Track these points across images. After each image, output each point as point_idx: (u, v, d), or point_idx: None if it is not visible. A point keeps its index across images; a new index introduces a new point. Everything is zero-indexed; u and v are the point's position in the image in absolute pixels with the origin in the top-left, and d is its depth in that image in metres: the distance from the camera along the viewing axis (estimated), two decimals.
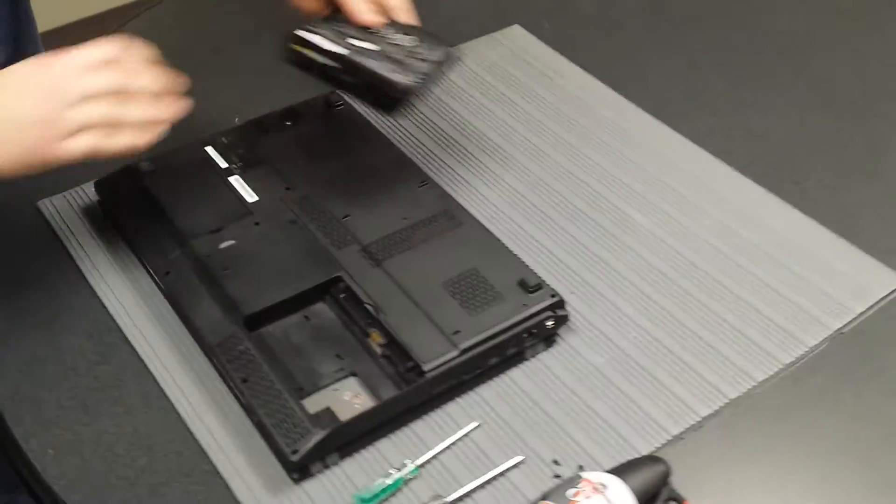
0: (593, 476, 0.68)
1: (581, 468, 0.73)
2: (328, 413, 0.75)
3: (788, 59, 1.14)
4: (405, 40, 0.85)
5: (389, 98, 0.84)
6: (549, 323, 0.80)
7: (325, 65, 0.84)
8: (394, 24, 0.86)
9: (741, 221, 0.93)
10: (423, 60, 0.84)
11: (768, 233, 0.92)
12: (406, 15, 0.88)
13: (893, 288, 0.87)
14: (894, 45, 1.17)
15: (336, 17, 0.86)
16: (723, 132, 1.04)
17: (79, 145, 0.74)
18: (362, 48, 0.83)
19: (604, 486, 0.67)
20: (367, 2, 0.85)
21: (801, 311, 0.85)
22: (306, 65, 0.85)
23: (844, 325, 0.84)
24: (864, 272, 0.88)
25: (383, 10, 0.87)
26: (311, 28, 0.85)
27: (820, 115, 1.07)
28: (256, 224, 0.87)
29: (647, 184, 0.97)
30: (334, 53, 0.84)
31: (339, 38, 0.84)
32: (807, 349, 0.82)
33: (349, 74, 0.84)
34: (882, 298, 0.86)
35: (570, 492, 0.66)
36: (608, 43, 1.18)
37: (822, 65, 1.14)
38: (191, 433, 0.76)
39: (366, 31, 0.85)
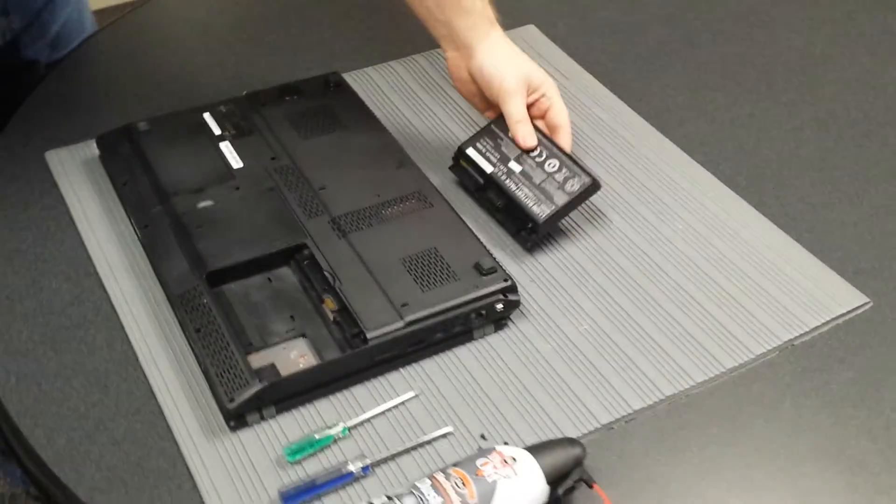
0: (506, 449, 0.70)
1: (506, 444, 0.74)
2: (271, 368, 0.78)
3: (794, 81, 1.15)
4: (553, 165, 0.89)
5: (526, 227, 0.89)
6: (499, 306, 0.82)
7: (476, 179, 0.92)
8: (548, 146, 0.91)
9: (714, 230, 0.94)
10: (565, 191, 0.88)
11: (739, 243, 0.93)
12: (566, 139, 0.94)
13: (853, 306, 0.87)
14: None
15: (499, 126, 0.93)
16: (714, 144, 1.05)
17: None
18: (511, 170, 0.90)
19: (514, 459, 0.69)
20: (527, 122, 0.92)
21: (754, 319, 0.85)
22: (464, 176, 0.94)
23: (796, 338, 0.84)
24: (826, 289, 0.88)
25: (548, 126, 0.94)
26: (475, 141, 0.93)
27: (815, 136, 1.07)
28: (237, 188, 0.90)
29: (628, 186, 0.99)
30: (485, 172, 0.91)
31: (495, 154, 0.91)
32: (752, 356, 0.83)
33: (496, 195, 0.90)
34: (839, 316, 0.86)
35: (480, 461, 0.69)
36: (619, 50, 1.19)
37: (828, 89, 1.14)
38: (144, 376, 0.80)
39: (520, 148, 0.91)
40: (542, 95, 0.95)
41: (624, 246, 0.92)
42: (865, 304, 0.88)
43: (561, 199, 0.88)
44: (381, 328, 0.78)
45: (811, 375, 0.82)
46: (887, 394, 0.81)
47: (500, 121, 0.93)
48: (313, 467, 0.74)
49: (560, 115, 0.95)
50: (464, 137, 1.02)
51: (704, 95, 1.13)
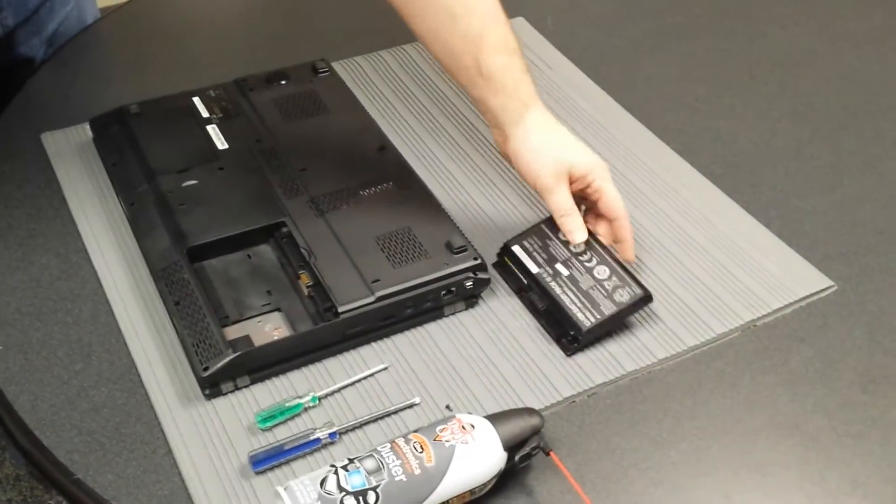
0: (465, 417, 0.72)
1: (470, 414, 0.77)
2: (246, 339, 0.81)
3: (777, 74, 1.17)
4: (604, 273, 0.84)
5: (568, 335, 0.83)
6: (469, 284, 0.85)
7: (519, 279, 0.87)
8: (600, 252, 0.86)
9: (686, 215, 0.97)
10: (613, 301, 0.82)
11: (709, 228, 0.95)
12: (628, 253, 0.86)
13: (816, 289, 0.89)
14: (884, 70, 1.18)
15: (549, 226, 0.88)
16: (692, 133, 1.08)
17: None
18: (558, 272, 0.85)
19: (472, 426, 0.71)
20: (575, 215, 0.84)
21: (719, 300, 0.88)
22: (508, 273, 0.88)
23: (758, 318, 0.87)
24: (791, 272, 0.91)
25: (613, 238, 0.87)
26: (522, 239, 0.88)
27: (793, 128, 1.09)
28: (220, 169, 0.94)
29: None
30: (531, 273, 0.86)
31: (542, 255, 0.86)
32: (714, 335, 0.85)
33: (539, 298, 0.85)
34: (803, 298, 0.89)
35: (439, 427, 0.71)
36: (605, 42, 1.22)
37: (809, 82, 1.16)
38: (126, 346, 0.84)
39: (569, 251, 0.86)
40: (588, 186, 0.85)
41: None
42: (829, 287, 0.90)
43: (608, 310, 0.82)
44: (351, 302, 0.81)
45: (771, 354, 0.84)
46: (844, 373, 0.83)
47: (551, 220, 0.87)
48: (284, 435, 0.77)
49: (613, 204, 0.85)
50: (444, 124, 1.05)
51: (686, 87, 1.15)
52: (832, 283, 0.90)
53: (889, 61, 1.20)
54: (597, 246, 0.87)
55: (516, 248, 0.88)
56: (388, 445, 0.70)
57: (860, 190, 1.01)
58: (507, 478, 0.74)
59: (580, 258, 0.86)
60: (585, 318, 0.82)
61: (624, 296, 0.83)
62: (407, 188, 0.93)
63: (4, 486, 1.66)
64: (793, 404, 0.80)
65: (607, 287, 0.84)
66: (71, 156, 1.02)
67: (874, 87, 1.15)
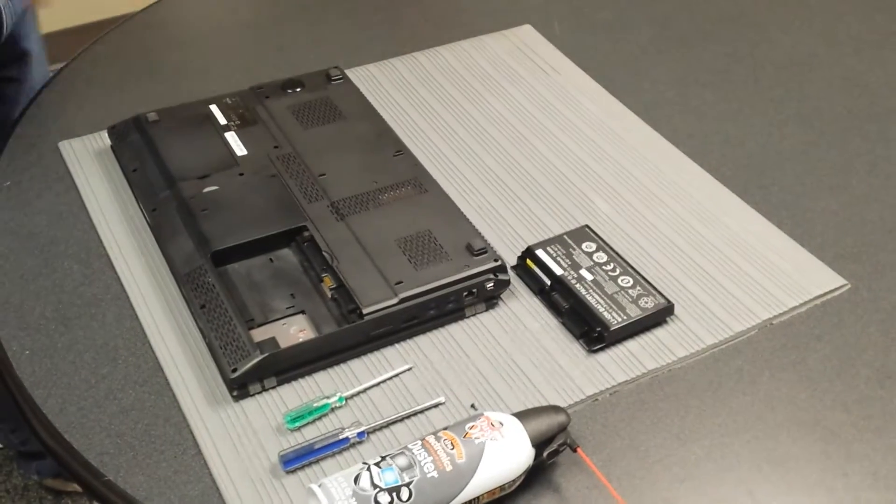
0: (493, 415, 0.74)
1: (497, 412, 0.78)
2: (272, 341, 0.82)
3: (782, 79, 1.19)
4: (627, 282, 0.86)
5: (594, 332, 0.84)
6: (489, 285, 0.86)
7: (542, 280, 0.88)
8: (622, 264, 0.88)
9: (698, 216, 0.98)
10: (639, 306, 0.84)
11: (722, 229, 0.97)
12: None
13: (830, 288, 0.91)
14: (886, 73, 1.20)
15: (572, 237, 0.91)
16: (701, 137, 1.09)
17: None
18: (582, 276, 0.87)
19: (501, 423, 0.73)
20: None
21: (735, 299, 0.89)
22: (529, 276, 0.90)
23: (774, 317, 0.88)
24: (805, 272, 0.92)
25: None
26: (544, 245, 0.90)
27: (800, 131, 1.11)
28: (241, 175, 0.95)
29: (616, 175, 1.03)
30: (554, 273, 0.88)
31: (566, 261, 0.88)
32: (732, 333, 0.86)
33: (563, 297, 0.87)
34: (817, 297, 0.90)
35: (469, 425, 0.72)
36: (612, 49, 1.24)
37: (814, 86, 1.18)
38: (152, 349, 0.84)
39: (593, 260, 0.89)
40: None
41: (610, 230, 0.96)
42: (843, 286, 0.91)
43: (634, 313, 0.84)
44: (376, 304, 0.82)
45: (789, 352, 0.86)
46: (862, 369, 0.84)
47: (572, 233, 0.92)
48: (312, 435, 0.77)
49: None
50: (456, 128, 1.06)
51: (693, 91, 1.17)
52: (845, 281, 0.92)
53: (890, 64, 1.22)
54: (619, 259, 0.89)
55: (540, 252, 0.90)
56: (419, 443, 0.71)
57: (868, 190, 1.03)
58: (535, 475, 0.75)
59: (604, 267, 0.88)
60: (612, 318, 0.84)
61: (649, 303, 0.85)
62: (425, 192, 0.94)
63: (13, 495, 1.66)
64: (812, 400, 0.82)
65: (632, 294, 0.86)
66: (89, 163, 1.03)
67: (877, 90, 1.17)
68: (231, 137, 0.99)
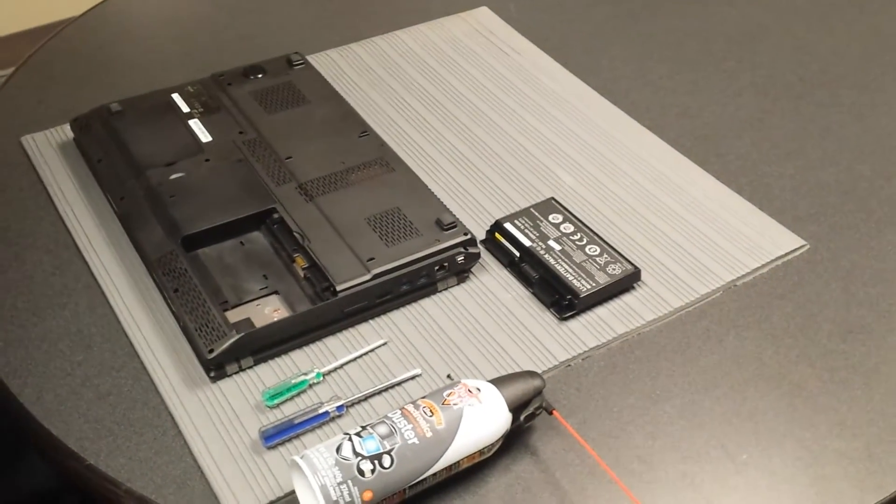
0: (470, 382, 0.75)
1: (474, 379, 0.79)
2: (247, 322, 0.83)
3: (733, 50, 1.21)
4: (594, 250, 0.88)
5: (564, 300, 0.86)
6: (460, 258, 0.87)
7: (511, 253, 0.90)
8: (588, 234, 0.90)
9: (660, 185, 1.00)
10: (607, 273, 0.86)
11: (684, 196, 0.99)
12: None
13: (790, 248, 0.93)
14: (837, 39, 1.23)
15: (539, 210, 0.93)
16: (659, 109, 1.11)
17: None
18: (550, 247, 0.88)
19: (478, 389, 0.74)
20: None
21: (699, 263, 0.91)
22: (498, 249, 0.91)
23: (738, 279, 0.90)
24: (765, 234, 0.95)
25: None
26: (512, 219, 0.92)
27: (755, 100, 1.13)
28: (206, 160, 0.95)
29: (578, 149, 1.05)
30: (523, 245, 0.89)
31: (534, 233, 0.90)
32: (698, 296, 0.88)
33: (532, 268, 0.88)
34: (778, 257, 0.93)
35: (447, 392, 0.73)
36: (568, 27, 1.25)
37: (765, 56, 1.20)
38: (126, 335, 0.85)
39: (560, 231, 0.90)
40: None
41: (575, 202, 0.98)
42: (802, 246, 0.94)
43: (602, 280, 0.86)
44: (349, 280, 0.83)
45: (753, 311, 0.88)
46: (824, 324, 0.87)
47: (538, 205, 0.93)
48: (291, 411, 0.78)
49: None
50: (417, 108, 1.07)
51: (649, 66, 1.19)
52: (804, 242, 0.94)
53: (838, 33, 1.25)
54: (585, 228, 0.91)
55: (508, 225, 0.91)
56: (399, 412, 0.72)
57: (822, 154, 1.05)
58: (513, 438, 0.76)
59: (571, 237, 0.90)
60: (582, 286, 0.86)
61: (616, 269, 0.87)
62: (392, 170, 0.95)
63: None
64: (777, 356, 0.84)
65: (599, 262, 0.88)
66: (53, 156, 1.02)
67: (827, 58, 1.20)
68: (195, 125, 0.99)
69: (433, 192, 0.93)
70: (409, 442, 0.70)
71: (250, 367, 0.82)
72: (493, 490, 0.74)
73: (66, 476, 0.77)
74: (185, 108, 1.01)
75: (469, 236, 0.88)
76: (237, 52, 1.18)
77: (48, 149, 1.03)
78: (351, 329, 0.85)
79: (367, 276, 0.84)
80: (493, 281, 0.90)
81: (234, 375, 0.81)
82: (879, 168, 1.04)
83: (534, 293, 0.88)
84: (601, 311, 0.87)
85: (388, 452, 0.69)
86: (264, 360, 0.82)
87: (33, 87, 1.13)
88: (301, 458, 0.69)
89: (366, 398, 0.80)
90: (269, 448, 0.76)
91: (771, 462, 0.76)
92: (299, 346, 0.84)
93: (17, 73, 1.15)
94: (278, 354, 0.83)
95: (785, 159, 1.05)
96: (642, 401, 0.80)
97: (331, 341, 0.84)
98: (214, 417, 0.78)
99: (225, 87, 1.04)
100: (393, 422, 0.71)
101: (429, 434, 0.71)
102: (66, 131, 1.05)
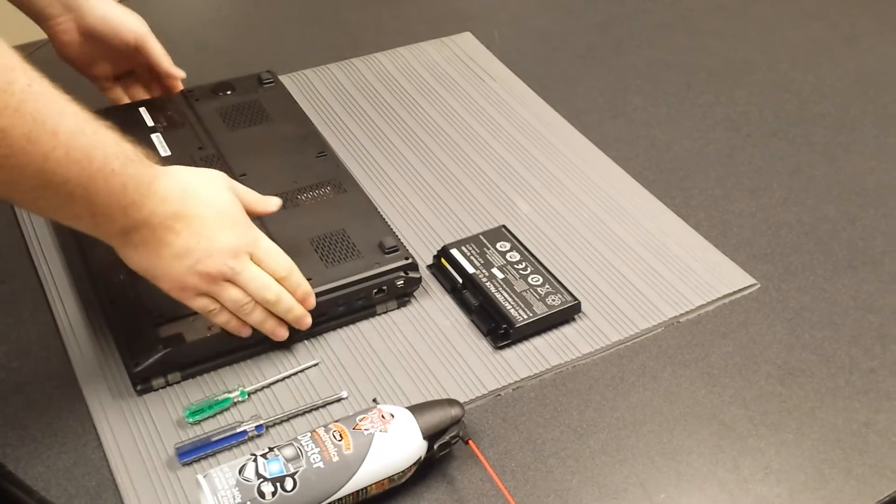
0: (385, 407, 0.74)
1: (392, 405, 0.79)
2: (178, 337, 0.83)
3: (714, 84, 1.20)
4: (537, 280, 0.88)
5: (500, 328, 0.85)
6: (400, 282, 0.87)
7: (454, 279, 0.90)
8: (534, 263, 0.90)
9: (616, 217, 0.99)
10: (545, 304, 0.86)
11: (638, 229, 0.98)
12: (176, 71, 1.03)
13: (739, 287, 0.92)
14: (821, 77, 1.22)
15: (487, 237, 0.93)
16: (628, 140, 1.11)
17: (200, 302, 0.78)
18: (493, 275, 0.88)
19: (392, 415, 0.73)
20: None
21: (643, 297, 0.90)
22: (443, 274, 0.91)
23: (681, 315, 0.89)
24: (715, 271, 0.93)
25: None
26: (459, 245, 0.92)
27: (726, 135, 1.12)
28: None
29: (540, 178, 1.04)
30: (467, 272, 0.89)
31: (479, 260, 0.90)
32: (638, 330, 0.87)
33: (473, 295, 0.88)
34: (725, 296, 0.91)
35: (360, 417, 0.73)
36: (549, 56, 1.25)
37: (744, 91, 1.19)
38: (63, 345, 0.85)
39: (505, 259, 0.90)
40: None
41: (529, 230, 0.97)
42: (752, 286, 0.92)
43: (540, 310, 0.85)
44: None
45: (693, 349, 0.87)
46: (763, 366, 0.85)
47: (488, 233, 0.93)
48: (212, 429, 0.78)
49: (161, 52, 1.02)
50: (385, 130, 1.08)
51: (624, 98, 1.18)
52: (755, 281, 0.93)
53: (824, 71, 1.23)
54: (531, 258, 0.91)
55: (454, 251, 0.91)
56: (309, 434, 0.72)
57: (788, 193, 1.04)
58: (429, 467, 0.76)
59: (516, 266, 0.90)
60: (518, 315, 0.85)
61: (556, 300, 0.86)
62: (343, 192, 0.95)
63: None
64: (711, 395, 0.83)
65: (540, 292, 0.87)
66: None
67: (807, 96, 1.19)
68: (157, 139, 1.00)
69: (382, 215, 0.93)
70: (315, 466, 0.70)
71: (178, 382, 0.82)
72: None
73: None
74: (150, 122, 1.02)
75: (410, 261, 0.88)
76: (216, 67, 1.19)
77: None
78: (284, 349, 0.85)
79: None
80: (433, 306, 0.90)
81: (160, 390, 0.81)
82: (844, 210, 1.02)
83: (472, 321, 0.88)
84: (538, 341, 0.86)
85: (292, 475, 0.69)
86: (192, 375, 0.83)
87: None
88: (204, 477, 0.69)
89: (287, 419, 0.79)
90: (185, 465, 0.76)
91: (689, 503, 0.75)
92: (229, 364, 0.84)
93: None
94: (207, 371, 0.83)
95: (749, 196, 1.03)
96: (567, 434, 0.79)
97: (262, 360, 0.85)
98: (135, 431, 0.78)
99: (192, 103, 1.05)
100: (301, 444, 0.71)
101: (335, 458, 0.70)
102: None
